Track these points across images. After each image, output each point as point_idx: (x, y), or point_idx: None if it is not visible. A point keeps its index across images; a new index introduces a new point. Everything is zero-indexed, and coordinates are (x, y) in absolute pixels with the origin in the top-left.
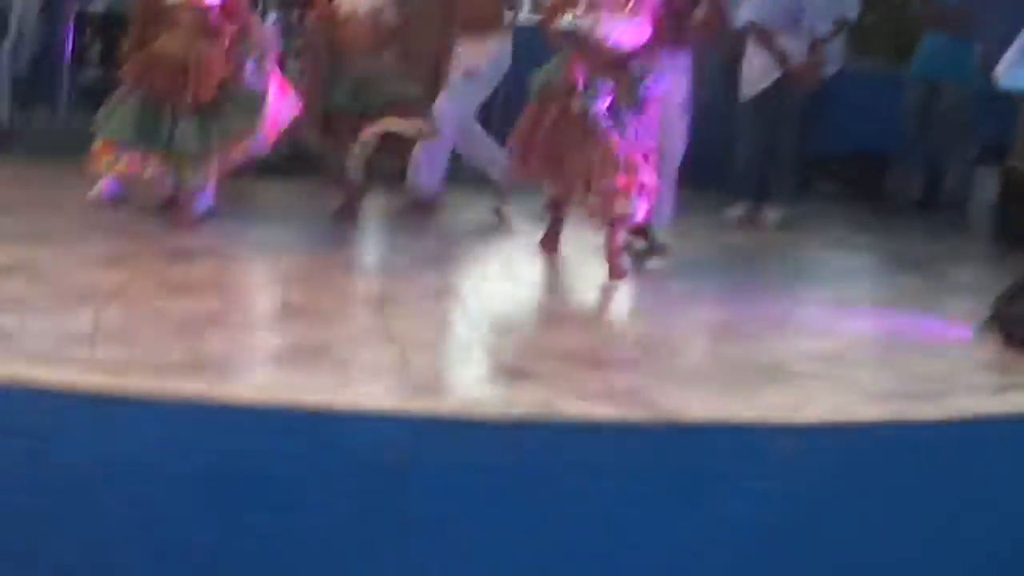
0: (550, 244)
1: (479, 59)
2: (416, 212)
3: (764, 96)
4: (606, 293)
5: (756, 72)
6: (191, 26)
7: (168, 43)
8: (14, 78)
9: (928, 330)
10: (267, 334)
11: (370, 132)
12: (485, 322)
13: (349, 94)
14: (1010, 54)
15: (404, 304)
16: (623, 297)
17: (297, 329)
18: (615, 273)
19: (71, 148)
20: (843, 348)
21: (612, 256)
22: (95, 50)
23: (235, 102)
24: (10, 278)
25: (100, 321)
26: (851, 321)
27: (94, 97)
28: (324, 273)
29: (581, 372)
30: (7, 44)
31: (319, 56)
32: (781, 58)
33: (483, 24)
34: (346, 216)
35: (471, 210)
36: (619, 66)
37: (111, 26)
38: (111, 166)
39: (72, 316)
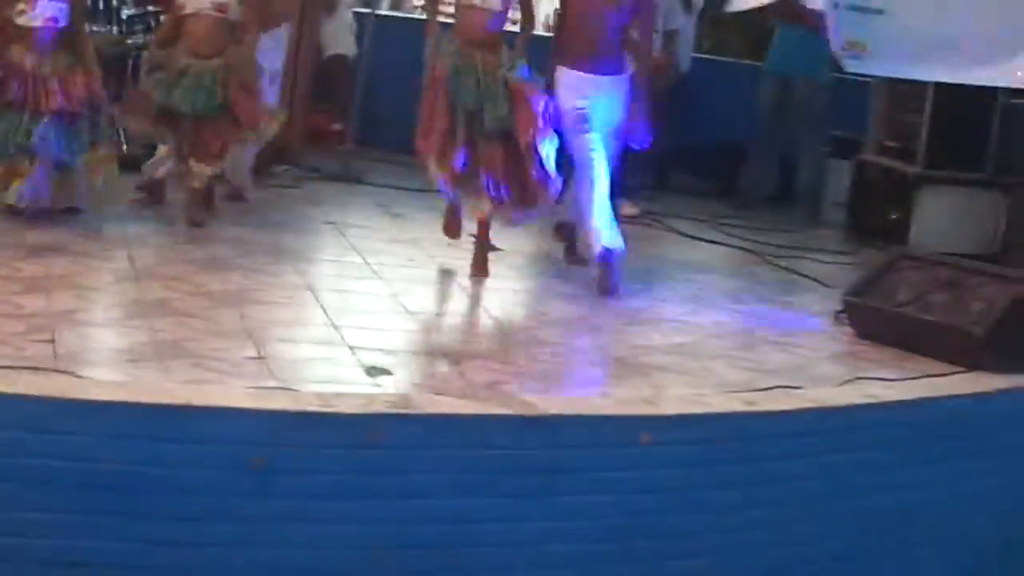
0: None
1: None
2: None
3: None
4: (465, 289)
5: None
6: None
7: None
8: None
9: (781, 322)
10: (123, 331)
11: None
12: (344, 318)
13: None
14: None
15: (261, 299)
16: (481, 293)
17: (154, 325)
18: (477, 269)
19: None
20: (697, 341)
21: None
22: None
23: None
24: None
25: None
26: (705, 314)
27: None
28: (179, 269)
29: (440, 367)
30: None
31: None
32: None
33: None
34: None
35: (324, 205)
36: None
37: None
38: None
39: None
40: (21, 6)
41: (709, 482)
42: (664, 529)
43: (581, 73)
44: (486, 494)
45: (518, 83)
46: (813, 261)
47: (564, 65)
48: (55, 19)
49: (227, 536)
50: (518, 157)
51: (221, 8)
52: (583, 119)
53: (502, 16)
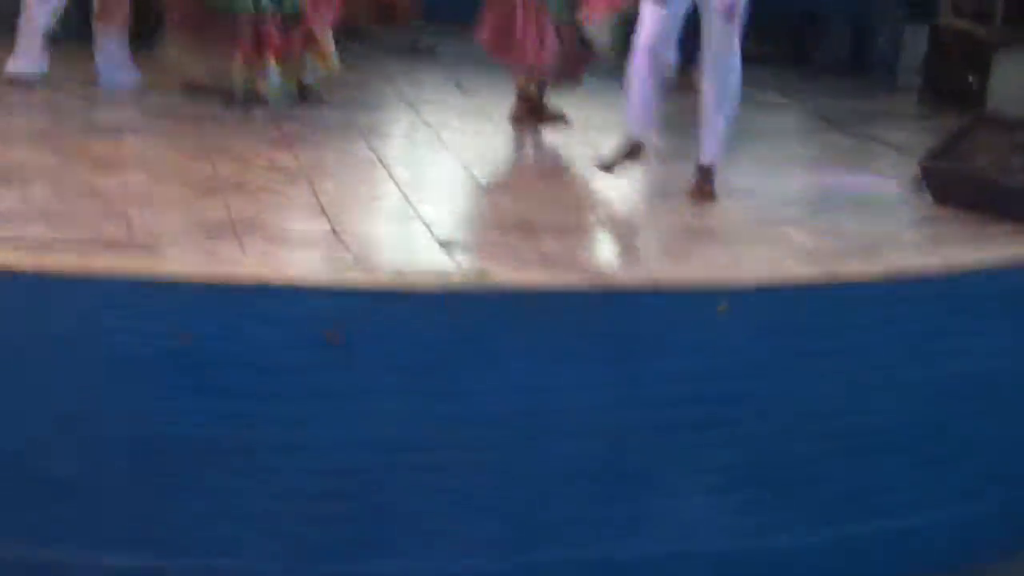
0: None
1: None
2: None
3: None
4: (535, 160)
5: None
6: None
7: None
8: None
9: (858, 188)
10: (197, 208)
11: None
12: (417, 192)
13: None
14: None
15: (334, 175)
16: (553, 164)
17: (228, 202)
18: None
19: None
20: (772, 208)
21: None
22: None
23: None
24: None
25: (27, 199)
26: (779, 181)
27: None
28: (250, 147)
29: (514, 239)
30: None
31: None
32: None
33: None
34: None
35: (388, 81)
36: None
37: None
38: None
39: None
40: None
41: (787, 351)
42: (741, 397)
43: None
44: (563, 365)
45: None
46: (889, 128)
47: None
48: None
49: (303, 412)
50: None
51: None
52: None
53: None
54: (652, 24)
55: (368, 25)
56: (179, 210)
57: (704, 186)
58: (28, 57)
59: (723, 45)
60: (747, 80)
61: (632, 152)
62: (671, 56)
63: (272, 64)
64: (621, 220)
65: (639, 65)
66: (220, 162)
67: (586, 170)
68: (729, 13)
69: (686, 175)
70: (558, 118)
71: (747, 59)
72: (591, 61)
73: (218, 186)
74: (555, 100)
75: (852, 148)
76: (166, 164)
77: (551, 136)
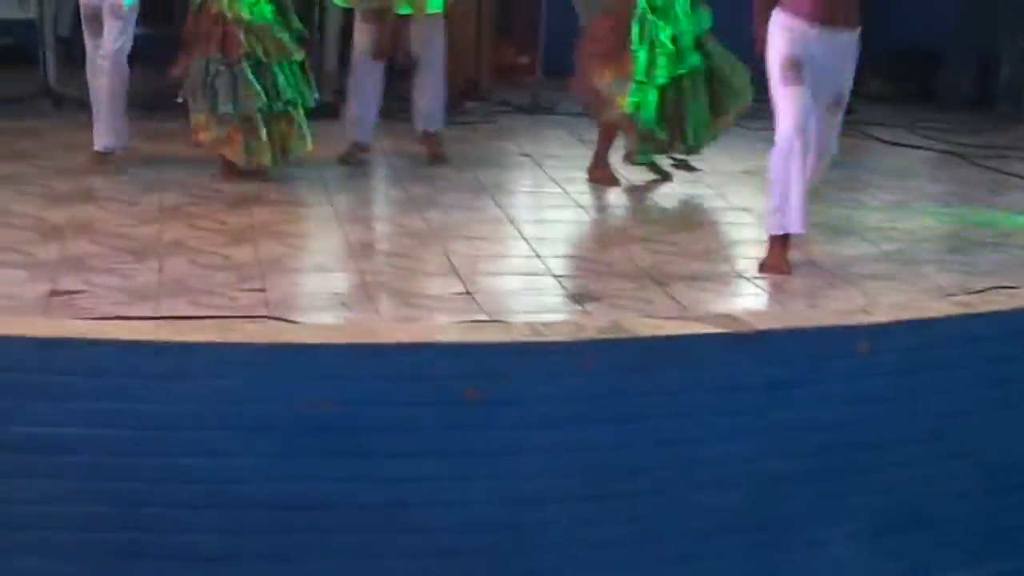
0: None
1: None
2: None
3: None
4: (663, 209)
5: None
6: None
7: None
8: (58, 39)
9: (992, 223)
10: (331, 275)
11: None
12: (546, 247)
13: None
14: None
15: (464, 234)
16: (681, 212)
17: (361, 267)
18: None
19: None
20: (907, 247)
21: None
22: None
23: None
24: (70, 238)
25: (164, 272)
26: (912, 219)
27: (141, 56)
28: (379, 210)
29: (646, 289)
30: (48, 7)
31: None
32: None
33: None
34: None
35: (512, 138)
36: None
37: None
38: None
39: (137, 270)
40: None
41: (928, 388)
42: (884, 439)
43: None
44: (702, 414)
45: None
46: (1020, 160)
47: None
48: None
49: (446, 470)
50: None
51: None
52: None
53: None
54: (796, 103)
55: (488, 84)
56: (314, 277)
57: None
58: (110, 132)
59: (829, 129)
60: (875, 119)
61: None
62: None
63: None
64: (753, 265)
65: (789, 156)
66: (352, 228)
67: (716, 215)
68: (840, 97)
69: (822, 217)
70: (685, 165)
71: (874, 98)
72: None
73: (351, 252)
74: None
75: (984, 182)
76: (298, 233)
77: (677, 184)
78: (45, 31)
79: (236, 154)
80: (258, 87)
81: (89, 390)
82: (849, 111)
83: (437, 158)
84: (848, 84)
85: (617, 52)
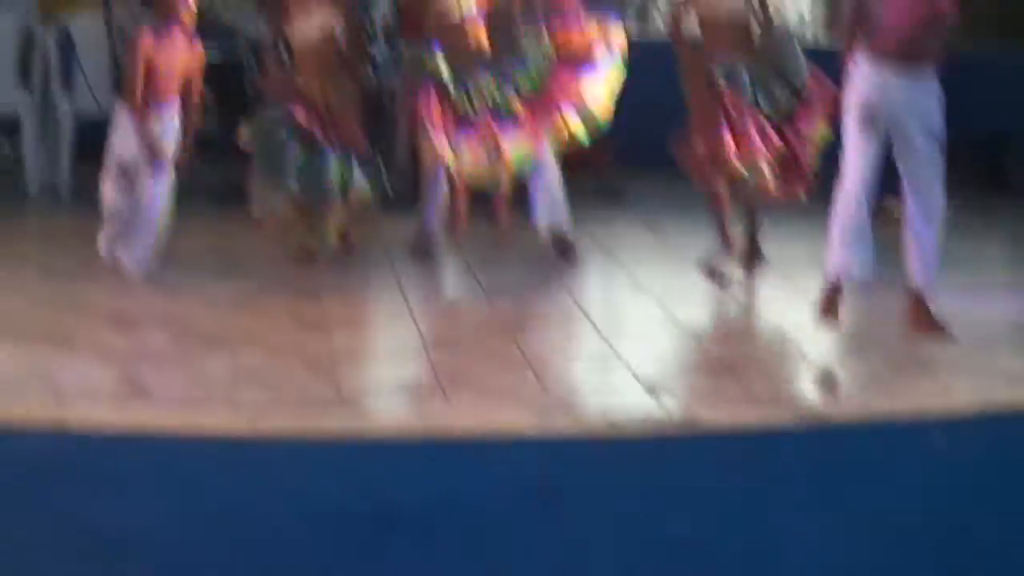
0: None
1: None
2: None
3: None
4: (735, 298)
5: None
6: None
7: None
8: None
9: None
10: (404, 365)
11: None
12: (618, 335)
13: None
14: None
15: (533, 323)
16: (752, 301)
17: (433, 357)
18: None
19: (188, 201)
20: (981, 333)
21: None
22: (211, 103)
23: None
24: (143, 329)
25: (238, 363)
26: (986, 307)
27: (213, 150)
28: (450, 300)
29: (720, 380)
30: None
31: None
32: None
33: None
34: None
35: (581, 225)
36: None
37: (225, 78)
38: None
39: (209, 361)
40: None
41: (1009, 479)
42: (967, 531)
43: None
44: (778, 506)
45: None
46: None
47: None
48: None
49: (518, 564)
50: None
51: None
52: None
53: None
54: (861, 158)
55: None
56: (386, 367)
57: (922, 313)
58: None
59: (929, 169)
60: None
61: (836, 294)
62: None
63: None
64: (825, 355)
65: (851, 203)
66: (422, 318)
67: (786, 304)
68: (933, 135)
69: (888, 305)
70: (756, 256)
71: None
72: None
73: (423, 341)
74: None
75: None
76: (369, 323)
77: (748, 272)
78: None
79: (307, 239)
80: (333, 174)
81: (160, 484)
82: None
83: (564, 255)
84: (934, 122)
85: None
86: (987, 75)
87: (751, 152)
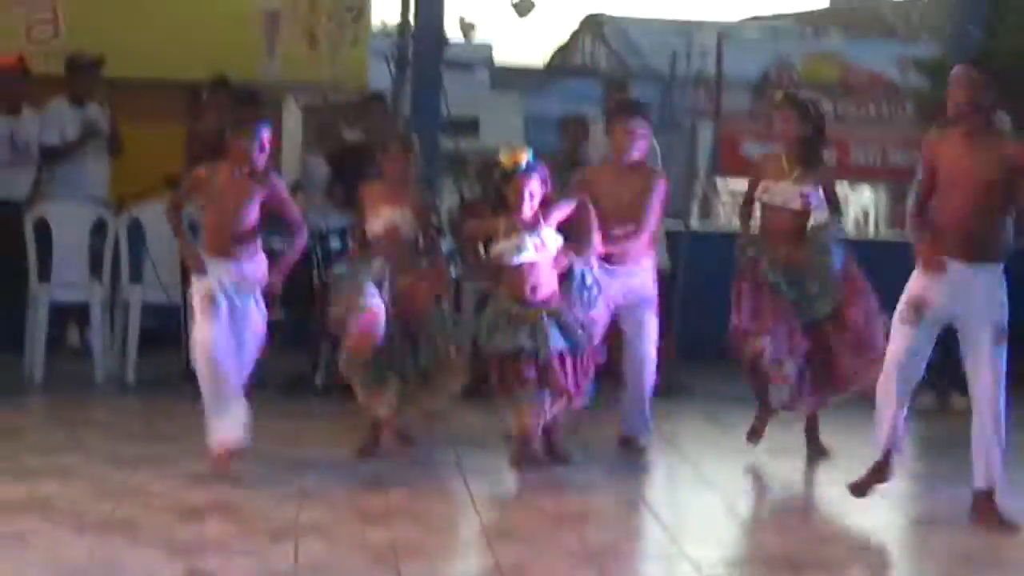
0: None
1: None
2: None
3: None
4: (796, 492)
5: None
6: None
7: None
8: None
9: None
10: (468, 559)
11: None
12: (682, 531)
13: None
14: None
15: (597, 518)
16: (812, 495)
17: (497, 552)
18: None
19: (254, 390)
20: None
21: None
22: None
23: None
24: (208, 519)
25: (301, 555)
26: None
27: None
28: (515, 491)
29: (785, 574)
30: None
31: None
32: None
33: None
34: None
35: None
36: None
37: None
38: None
39: (272, 553)
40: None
41: None
42: None
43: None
44: None
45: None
46: None
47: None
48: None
49: None
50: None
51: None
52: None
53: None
54: (902, 341)
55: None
56: (450, 562)
57: (989, 512)
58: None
59: (992, 365)
60: (1018, 400)
61: (880, 474)
62: (919, 375)
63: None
64: (886, 549)
65: (887, 385)
66: (486, 511)
67: (846, 499)
68: (999, 333)
69: (946, 498)
70: (815, 450)
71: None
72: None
73: (486, 535)
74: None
75: None
76: (433, 514)
77: (809, 465)
78: (187, 315)
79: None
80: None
81: None
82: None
83: (629, 451)
84: (996, 317)
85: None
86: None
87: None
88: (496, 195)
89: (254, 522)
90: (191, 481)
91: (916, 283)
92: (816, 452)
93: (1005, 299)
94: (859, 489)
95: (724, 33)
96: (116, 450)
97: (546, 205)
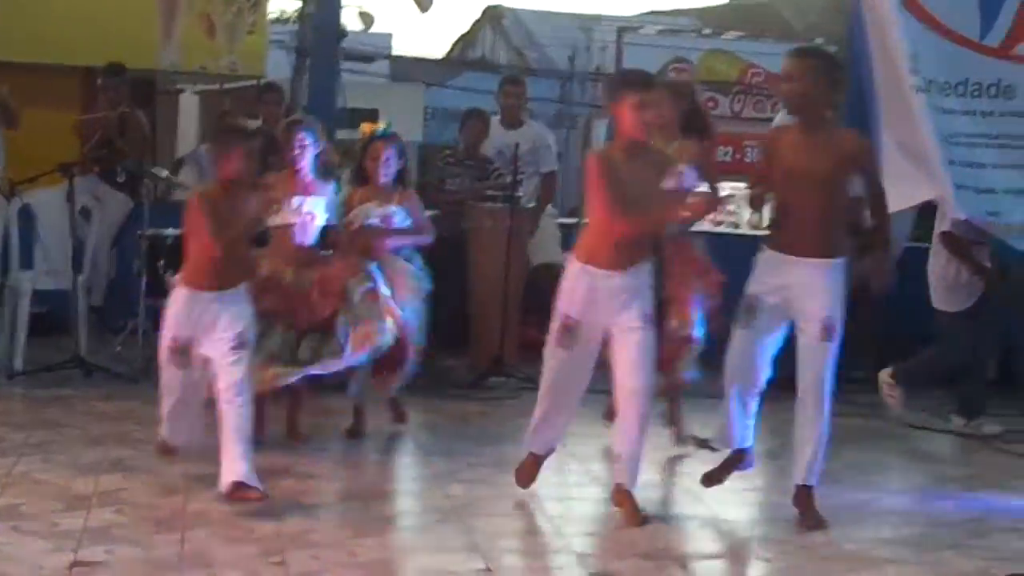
0: None
1: None
2: None
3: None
4: (688, 490)
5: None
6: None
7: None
8: (91, 308)
9: (1016, 508)
10: (355, 549)
11: None
12: (569, 525)
13: None
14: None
15: (486, 511)
16: (698, 489)
17: (384, 542)
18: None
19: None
20: (928, 532)
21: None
22: (170, 275)
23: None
24: (94, 509)
25: (186, 545)
26: (934, 504)
27: None
28: (401, 486)
29: (666, 569)
30: (82, 279)
31: None
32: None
33: None
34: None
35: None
36: None
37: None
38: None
39: (159, 543)
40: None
41: None
42: None
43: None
44: None
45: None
46: None
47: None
48: (311, 215)
49: None
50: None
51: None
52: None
53: None
54: (735, 341)
55: (512, 360)
56: (336, 552)
57: (806, 505)
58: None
59: (817, 362)
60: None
61: (734, 463)
62: (763, 374)
63: None
64: (778, 546)
65: (726, 383)
66: (375, 503)
67: (736, 495)
68: (828, 330)
69: (845, 500)
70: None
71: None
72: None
73: (374, 526)
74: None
75: (1008, 466)
76: (321, 505)
77: (699, 462)
78: (78, 301)
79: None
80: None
81: None
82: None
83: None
84: (827, 313)
85: None
86: None
87: None
88: (357, 167)
89: (141, 511)
90: (79, 470)
91: (752, 282)
92: (703, 447)
93: (841, 296)
94: (710, 480)
95: (624, 28)
96: (1, 438)
97: (402, 177)
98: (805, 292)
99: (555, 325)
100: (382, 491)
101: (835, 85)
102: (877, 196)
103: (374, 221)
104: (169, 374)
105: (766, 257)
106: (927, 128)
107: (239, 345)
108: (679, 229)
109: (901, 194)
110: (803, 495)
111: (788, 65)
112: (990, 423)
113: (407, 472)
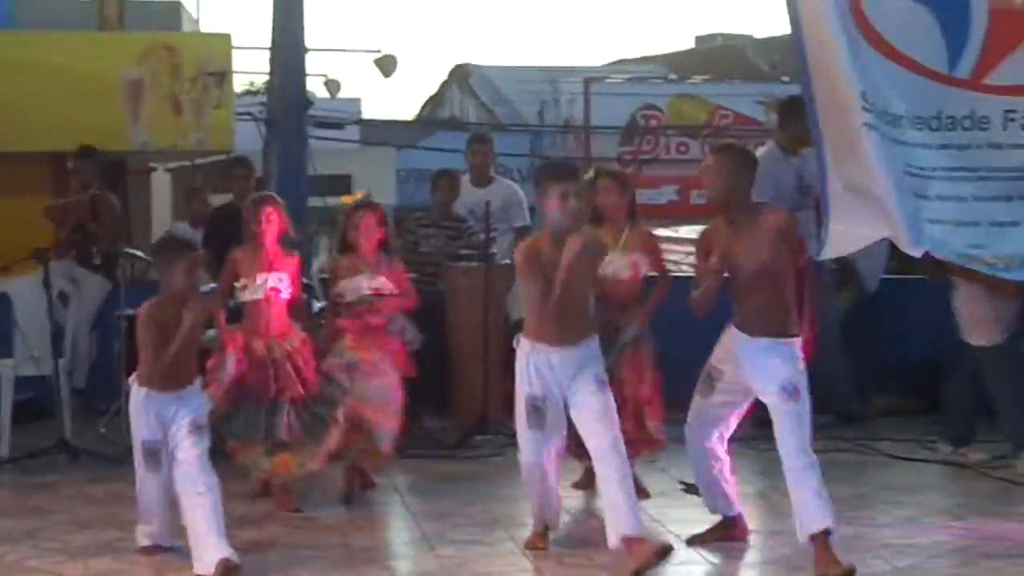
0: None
1: None
2: None
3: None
4: (674, 534)
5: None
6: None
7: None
8: (74, 391)
9: (1006, 535)
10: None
11: None
12: None
13: None
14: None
15: (478, 570)
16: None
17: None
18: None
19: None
20: (920, 563)
21: None
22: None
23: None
24: None
25: None
26: (925, 535)
27: None
28: (392, 550)
29: None
30: (63, 362)
31: None
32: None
33: None
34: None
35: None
36: None
37: None
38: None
39: None
40: (243, 280)
41: None
42: None
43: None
44: None
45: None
46: None
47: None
48: (276, 290)
49: None
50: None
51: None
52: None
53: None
54: (693, 406)
55: (496, 418)
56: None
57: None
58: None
59: (791, 424)
60: (883, 434)
61: (722, 531)
62: (723, 438)
63: None
64: None
65: (691, 452)
66: (367, 568)
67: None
68: (790, 393)
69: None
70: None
71: (882, 413)
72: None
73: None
74: None
75: (996, 492)
76: (315, 570)
77: (687, 509)
78: (61, 386)
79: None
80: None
81: None
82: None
83: None
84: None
85: None
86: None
87: None
88: (341, 238)
89: None
90: (68, 556)
91: (713, 353)
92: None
93: (798, 363)
94: (698, 542)
95: (591, 79)
96: None
97: (384, 245)
98: (755, 369)
99: (520, 409)
100: (373, 555)
101: (751, 176)
102: (802, 273)
103: (366, 294)
104: (142, 475)
105: (730, 333)
106: (879, 166)
107: (196, 428)
108: (634, 334)
109: (854, 234)
110: (820, 541)
111: (704, 165)
112: (975, 451)
113: (397, 536)
